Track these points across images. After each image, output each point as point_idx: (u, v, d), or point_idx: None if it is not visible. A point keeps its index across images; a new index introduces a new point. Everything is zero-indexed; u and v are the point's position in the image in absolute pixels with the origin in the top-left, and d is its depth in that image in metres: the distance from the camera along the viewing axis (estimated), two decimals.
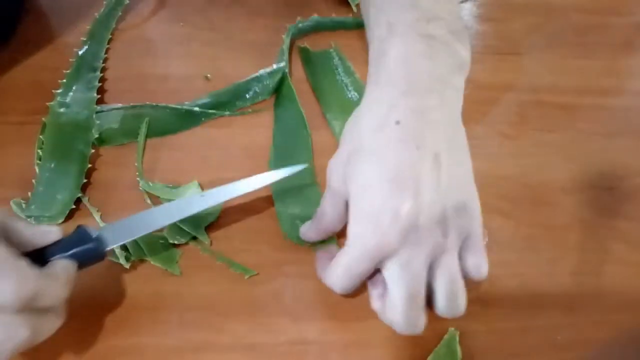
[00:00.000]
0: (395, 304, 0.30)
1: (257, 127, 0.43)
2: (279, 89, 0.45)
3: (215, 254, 0.36)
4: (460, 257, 0.31)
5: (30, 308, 0.27)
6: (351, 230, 0.32)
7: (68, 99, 0.42)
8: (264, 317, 0.35)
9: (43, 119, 0.41)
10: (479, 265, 0.31)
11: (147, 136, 0.41)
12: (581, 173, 0.42)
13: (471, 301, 0.35)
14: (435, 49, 0.32)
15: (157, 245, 0.36)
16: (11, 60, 0.45)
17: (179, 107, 0.42)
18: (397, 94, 0.31)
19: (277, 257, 0.37)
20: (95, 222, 0.37)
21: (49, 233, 0.31)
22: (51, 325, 0.30)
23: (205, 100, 0.43)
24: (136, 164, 0.40)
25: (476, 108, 0.46)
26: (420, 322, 0.31)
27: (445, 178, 0.30)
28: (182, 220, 0.36)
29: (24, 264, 0.28)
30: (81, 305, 0.34)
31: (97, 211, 0.38)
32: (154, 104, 0.42)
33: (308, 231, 0.36)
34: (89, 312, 0.34)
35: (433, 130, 0.31)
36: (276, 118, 0.43)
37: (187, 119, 0.42)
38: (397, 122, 0.31)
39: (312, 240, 0.36)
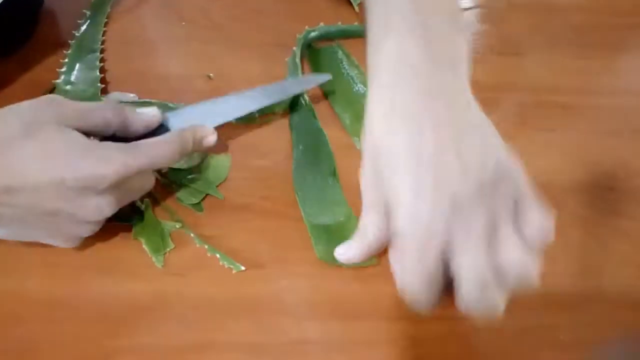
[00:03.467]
0: (468, 296, 0.27)
1: (258, 127, 0.43)
2: (293, 104, 0.44)
3: (208, 247, 0.37)
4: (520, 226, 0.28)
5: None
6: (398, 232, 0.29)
7: (73, 78, 0.43)
8: (266, 317, 0.35)
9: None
10: (539, 222, 0.28)
11: None
12: (582, 173, 0.42)
13: None
14: (430, 40, 0.31)
15: (155, 230, 0.37)
16: (11, 61, 0.45)
17: None
18: (394, 86, 0.31)
19: (279, 256, 0.37)
20: None
21: (153, 117, 0.37)
22: (142, 185, 0.36)
23: None
24: None
25: None
26: (498, 304, 0.27)
27: (469, 149, 0.28)
28: (193, 181, 0.39)
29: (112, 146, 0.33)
30: (81, 305, 0.34)
31: None
32: (165, 102, 0.43)
33: (348, 252, 0.32)
34: (89, 312, 0.34)
35: (439, 111, 0.29)
36: (295, 135, 0.43)
37: None
38: (402, 114, 0.29)
39: (352, 262, 0.33)
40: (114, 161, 0.32)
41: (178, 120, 0.38)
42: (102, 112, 0.34)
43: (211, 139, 0.38)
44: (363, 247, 0.31)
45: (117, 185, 0.33)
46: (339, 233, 0.38)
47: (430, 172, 0.28)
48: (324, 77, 0.43)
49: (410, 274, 0.27)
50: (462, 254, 0.27)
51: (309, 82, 0.44)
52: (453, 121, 0.29)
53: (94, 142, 0.33)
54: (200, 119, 0.38)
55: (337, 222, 0.38)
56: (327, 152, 0.42)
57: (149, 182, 0.36)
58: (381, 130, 0.30)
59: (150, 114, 0.37)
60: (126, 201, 0.35)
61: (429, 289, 0.27)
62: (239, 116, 0.40)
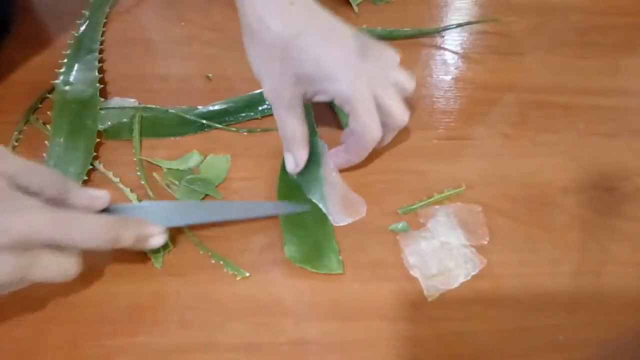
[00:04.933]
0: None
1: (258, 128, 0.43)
2: None
3: (212, 253, 0.36)
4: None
5: (32, 246, 0.28)
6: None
7: (71, 78, 0.44)
8: (265, 317, 0.35)
9: (49, 95, 0.43)
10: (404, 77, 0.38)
11: (151, 136, 0.42)
12: (581, 173, 0.42)
13: (472, 301, 0.36)
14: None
15: None
16: (8, 62, 0.45)
17: (188, 116, 0.43)
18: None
19: (278, 256, 0.37)
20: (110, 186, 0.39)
21: (99, 198, 0.33)
22: (59, 267, 0.30)
23: (216, 107, 0.44)
24: (134, 151, 0.40)
25: (477, 108, 0.46)
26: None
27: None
28: (193, 181, 0.39)
29: (33, 203, 0.29)
30: (81, 305, 0.34)
31: (114, 175, 0.39)
32: (165, 108, 0.43)
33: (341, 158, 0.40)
34: (89, 312, 0.34)
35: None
36: None
37: (194, 125, 0.43)
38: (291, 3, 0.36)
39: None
40: (23, 216, 0.28)
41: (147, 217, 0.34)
42: (40, 174, 0.30)
43: (158, 239, 0.34)
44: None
45: (22, 248, 0.28)
46: (312, 237, 0.38)
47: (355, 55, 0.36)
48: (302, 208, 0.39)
49: (372, 120, 0.36)
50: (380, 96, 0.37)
51: (287, 209, 0.39)
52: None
53: (12, 192, 0.29)
54: (156, 219, 0.34)
55: (311, 225, 0.38)
56: (316, 160, 0.41)
57: (68, 266, 0.30)
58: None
59: (94, 194, 0.33)
60: (29, 278, 0.29)
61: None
62: (200, 223, 0.37)
